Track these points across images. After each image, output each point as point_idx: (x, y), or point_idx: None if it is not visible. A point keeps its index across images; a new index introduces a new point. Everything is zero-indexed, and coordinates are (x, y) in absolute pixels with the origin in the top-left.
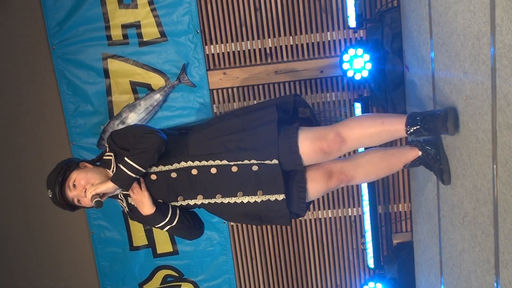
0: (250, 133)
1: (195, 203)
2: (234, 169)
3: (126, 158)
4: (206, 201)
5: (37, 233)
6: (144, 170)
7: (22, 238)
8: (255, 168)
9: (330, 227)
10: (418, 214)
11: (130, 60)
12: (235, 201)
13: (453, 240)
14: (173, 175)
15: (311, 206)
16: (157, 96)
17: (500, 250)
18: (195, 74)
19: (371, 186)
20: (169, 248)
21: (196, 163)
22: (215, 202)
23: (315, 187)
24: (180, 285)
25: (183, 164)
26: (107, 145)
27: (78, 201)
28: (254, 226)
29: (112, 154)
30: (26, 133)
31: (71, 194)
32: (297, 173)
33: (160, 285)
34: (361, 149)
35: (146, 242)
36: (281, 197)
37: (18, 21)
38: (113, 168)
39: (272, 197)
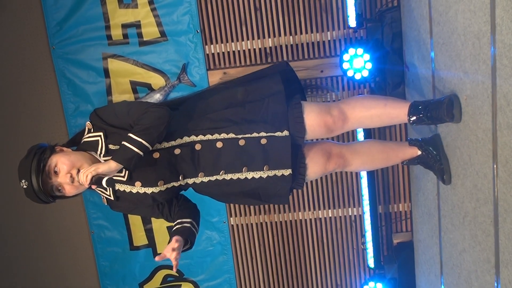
0: (257, 104)
1: (194, 182)
2: (242, 142)
3: (131, 135)
4: (206, 179)
5: (37, 233)
6: (151, 147)
7: (22, 238)
8: (263, 141)
9: (330, 227)
10: (418, 214)
11: (130, 59)
12: (238, 177)
13: (453, 239)
14: (177, 151)
15: (311, 206)
16: (157, 96)
17: (501, 250)
18: (195, 74)
19: (371, 185)
20: None
21: (200, 137)
22: (216, 179)
23: (314, 166)
24: (180, 284)
25: (186, 139)
26: (89, 126)
27: (59, 190)
28: (254, 226)
29: (100, 133)
30: (26, 133)
31: (53, 181)
32: (298, 149)
33: (160, 284)
34: (361, 138)
35: (146, 242)
36: (287, 172)
37: (18, 21)
38: (101, 149)
39: (279, 172)
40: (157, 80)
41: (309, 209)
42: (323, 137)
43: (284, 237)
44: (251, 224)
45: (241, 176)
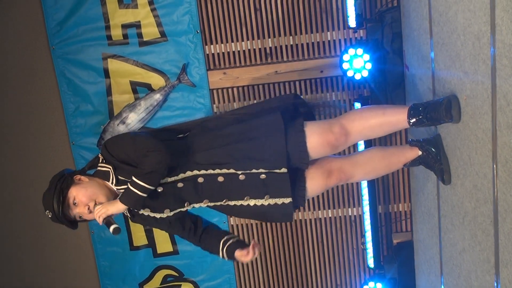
0: (258, 142)
1: (200, 206)
2: (242, 177)
3: (135, 179)
4: (211, 204)
5: (37, 232)
6: (154, 188)
7: (22, 238)
8: (263, 176)
9: (330, 227)
10: (418, 213)
11: (130, 60)
12: (241, 204)
13: (453, 239)
14: (180, 185)
15: (311, 206)
16: (157, 96)
17: (500, 250)
18: (195, 74)
19: (371, 186)
20: (169, 248)
21: (202, 171)
22: (221, 204)
23: (314, 185)
24: (180, 285)
25: (188, 173)
26: (100, 156)
27: (80, 217)
28: (254, 226)
29: (110, 167)
30: (26, 133)
31: (73, 212)
32: (298, 171)
33: (160, 285)
34: (361, 147)
35: (146, 242)
36: (288, 200)
37: (18, 21)
38: (112, 179)
39: (279, 201)
40: (157, 80)
41: (309, 209)
42: (327, 154)
43: (284, 237)
44: (251, 224)
45: (244, 203)
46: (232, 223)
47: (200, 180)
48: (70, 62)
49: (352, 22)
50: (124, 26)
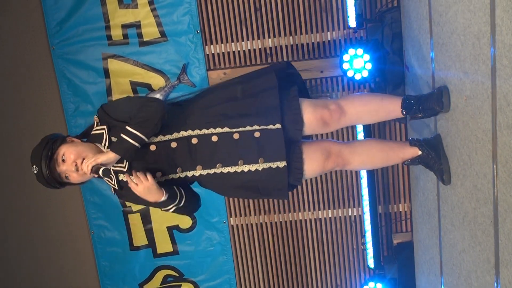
0: (251, 99)
1: (193, 175)
2: (236, 136)
3: (128, 127)
4: (204, 172)
5: (37, 233)
6: (147, 139)
7: (23, 238)
8: (257, 134)
9: (330, 227)
10: (418, 214)
11: (130, 60)
12: (235, 170)
13: (453, 240)
14: (173, 145)
15: (311, 206)
16: (157, 96)
17: (500, 250)
18: (195, 74)
19: (371, 186)
20: (169, 248)
21: (196, 131)
22: (214, 172)
23: (312, 165)
24: (180, 285)
25: (182, 133)
26: (97, 120)
27: (66, 177)
28: (254, 227)
29: (104, 127)
30: (26, 133)
31: (60, 169)
32: (294, 145)
33: (160, 285)
34: (360, 135)
35: (146, 242)
36: (282, 164)
37: (18, 21)
38: (105, 141)
39: (274, 165)
40: (157, 81)
41: (309, 209)
42: (319, 131)
43: (284, 237)
44: (251, 224)
45: (238, 169)
46: (232, 224)
47: (194, 141)
48: (70, 62)
49: (352, 22)
50: (124, 26)
